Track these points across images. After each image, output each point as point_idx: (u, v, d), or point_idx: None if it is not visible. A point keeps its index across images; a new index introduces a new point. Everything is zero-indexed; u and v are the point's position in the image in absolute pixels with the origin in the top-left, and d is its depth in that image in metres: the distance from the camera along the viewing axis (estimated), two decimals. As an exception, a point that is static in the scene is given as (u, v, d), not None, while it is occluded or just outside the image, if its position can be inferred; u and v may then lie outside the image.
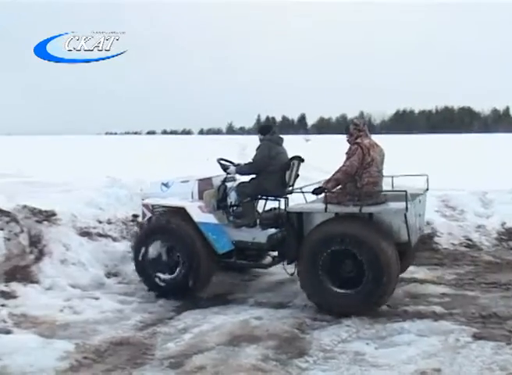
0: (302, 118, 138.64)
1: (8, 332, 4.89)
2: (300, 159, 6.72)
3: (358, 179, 5.63)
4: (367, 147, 5.66)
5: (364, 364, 4.25)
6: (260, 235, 6.29)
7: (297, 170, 6.74)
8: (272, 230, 6.33)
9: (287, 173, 6.51)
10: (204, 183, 6.59)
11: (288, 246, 5.94)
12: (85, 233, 7.28)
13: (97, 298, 5.97)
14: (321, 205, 5.59)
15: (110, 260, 7.07)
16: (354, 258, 5.39)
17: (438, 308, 5.45)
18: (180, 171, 9.66)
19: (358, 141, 5.74)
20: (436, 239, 8.32)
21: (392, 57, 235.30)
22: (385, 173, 5.83)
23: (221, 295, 6.31)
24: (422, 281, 6.55)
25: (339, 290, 5.45)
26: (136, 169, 14.47)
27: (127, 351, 4.61)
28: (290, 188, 6.47)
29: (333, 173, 5.74)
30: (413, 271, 6.87)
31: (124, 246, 7.34)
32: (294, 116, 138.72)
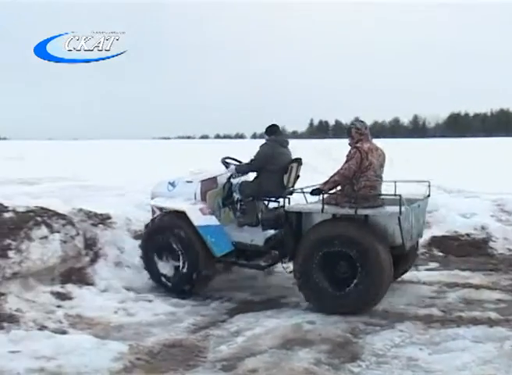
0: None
1: (63, 332, 5.02)
2: (300, 162, 6.87)
3: (356, 182, 5.78)
4: (365, 151, 5.78)
5: (417, 370, 4.20)
6: (258, 237, 6.44)
7: (297, 172, 6.87)
8: (271, 232, 6.44)
9: (285, 176, 6.62)
10: (208, 183, 6.76)
11: (286, 245, 6.07)
12: (139, 236, 7.31)
13: (150, 301, 6.08)
14: (319, 206, 5.75)
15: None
16: (349, 260, 5.53)
17: (493, 314, 5.34)
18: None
19: (358, 145, 5.87)
20: (491, 244, 8.15)
21: (445, 60, 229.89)
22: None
23: (274, 299, 6.32)
24: (477, 287, 6.43)
25: (333, 290, 5.59)
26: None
27: (180, 353, 4.68)
28: (291, 189, 6.51)
29: (331, 175, 5.90)
30: (468, 276, 6.83)
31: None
32: (347, 119, 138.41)
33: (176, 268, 6.40)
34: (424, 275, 7.04)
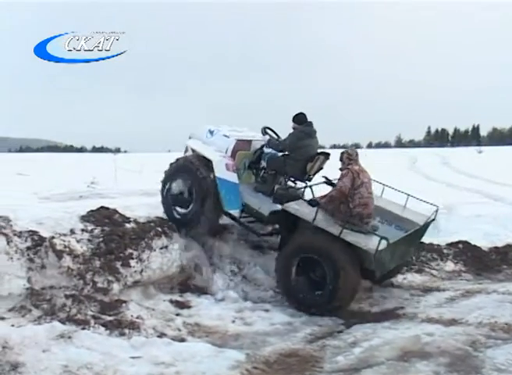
0: (475, 129, 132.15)
1: (182, 340, 5.28)
2: (327, 156, 7.41)
3: (350, 200, 6.56)
4: (356, 171, 6.66)
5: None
6: (266, 207, 7.11)
7: (321, 164, 7.43)
8: (278, 207, 6.91)
9: (309, 164, 7.24)
10: (242, 144, 7.50)
11: (281, 235, 7.09)
12: (256, 247, 7.71)
13: (267, 310, 6.25)
14: (312, 215, 6.33)
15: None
16: (322, 269, 6.22)
17: None
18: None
19: (349, 167, 6.74)
20: None
21: None
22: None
23: (391, 310, 6.33)
24: None
25: (306, 290, 6.33)
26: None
27: (296, 363, 4.76)
28: (310, 177, 7.35)
29: (329, 191, 6.84)
30: None
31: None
32: (467, 127, 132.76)
33: (190, 205, 7.19)
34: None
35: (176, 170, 7.39)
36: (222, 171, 7.05)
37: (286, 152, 7.29)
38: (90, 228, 6.65)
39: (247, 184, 7.45)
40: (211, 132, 7.57)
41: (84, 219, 6.86)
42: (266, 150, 7.58)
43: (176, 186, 7.36)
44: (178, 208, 7.30)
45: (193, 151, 7.58)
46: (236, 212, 7.14)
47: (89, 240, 6.44)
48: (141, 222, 7.11)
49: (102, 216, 7.01)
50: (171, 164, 7.51)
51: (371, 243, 6.05)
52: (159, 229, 6.97)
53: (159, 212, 7.56)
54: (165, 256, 6.69)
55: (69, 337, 4.89)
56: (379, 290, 7.17)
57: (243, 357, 4.78)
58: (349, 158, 6.82)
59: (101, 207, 7.32)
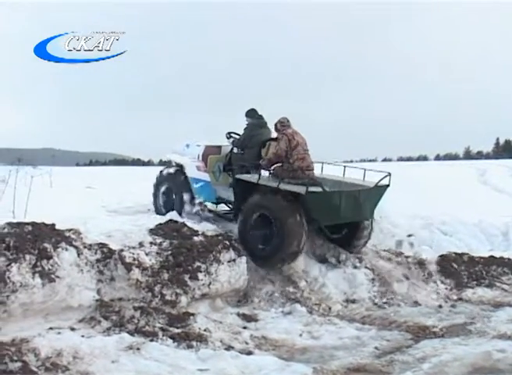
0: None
1: (249, 353, 5.50)
2: (275, 140, 8.60)
3: (290, 157, 8.00)
4: (291, 134, 8.13)
5: None
6: (232, 195, 8.65)
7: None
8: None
9: (263, 150, 8.98)
10: (212, 149, 9.49)
11: (235, 205, 8.59)
12: (324, 261, 8.05)
13: (335, 324, 6.44)
14: (256, 177, 7.91)
15: (349, 287, 7.57)
16: (271, 223, 7.53)
17: None
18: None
19: (284, 132, 8.18)
20: None
21: None
22: None
23: (461, 325, 6.41)
24: None
25: (260, 245, 7.64)
26: None
27: (364, 377, 4.93)
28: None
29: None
30: None
31: (362, 274, 7.76)
32: None
33: (172, 204, 9.38)
34: None
35: (161, 179, 9.82)
36: (193, 172, 9.22)
37: (241, 147, 9.13)
38: (158, 241, 7.06)
39: (224, 184, 9.24)
40: (188, 145, 9.72)
41: (153, 232, 7.30)
42: (235, 151, 9.32)
43: (163, 191, 9.74)
44: (163, 209, 9.70)
45: (175, 163, 9.78)
46: (209, 203, 9.30)
47: (157, 253, 6.82)
48: (209, 235, 7.50)
49: (171, 229, 7.43)
50: (156, 176, 9.96)
51: (303, 189, 7.18)
52: (227, 242, 7.31)
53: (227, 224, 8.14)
54: (233, 269, 7.02)
55: (138, 349, 5.27)
56: (448, 305, 7.29)
57: (310, 371, 4.98)
58: (282, 124, 8.36)
59: (170, 220, 7.84)
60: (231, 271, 7.02)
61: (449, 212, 10.44)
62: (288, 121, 8.40)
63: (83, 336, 5.56)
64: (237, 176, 8.42)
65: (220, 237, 7.48)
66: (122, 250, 6.63)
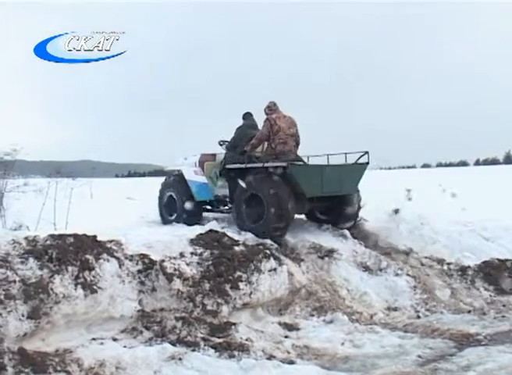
0: None
1: (291, 362, 5.69)
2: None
3: (272, 141, 9.08)
4: (273, 119, 9.12)
5: None
6: (227, 192, 10.03)
7: (262, 147, 9.82)
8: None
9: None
10: (207, 157, 10.87)
11: (229, 192, 9.83)
12: (366, 268, 8.27)
13: (377, 333, 6.63)
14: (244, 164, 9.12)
15: (390, 295, 7.82)
16: (261, 201, 8.64)
17: None
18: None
19: (268, 116, 9.23)
20: None
21: None
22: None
23: (506, 332, 6.55)
24: None
25: (253, 221, 8.82)
26: (414, 202, 15.13)
27: (407, 386, 4.96)
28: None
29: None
30: None
31: (404, 281, 8.01)
32: None
33: (174, 208, 10.67)
34: None
35: (165, 185, 11.10)
36: (191, 175, 10.52)
37: (234, 148, 10.13)
38: (199, 251, 7.41)
39: (222, 188, 10.45)
40: (186, 158, 11.19)
41: (193, 242, 7.64)
42: (228, 155, 10.29)
43: (167, 197, 10.93)
44: (168, 216, 10.93)
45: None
46: (207, 200, 10.62)
47: (198, 263, 7.16)
48: (250, 244, 7.85)
49: (211, 239, 7.77)
50: (160, 186, 11.27)
51: (285, 163, 8.46)
52: (267, 251, 7.64)
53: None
54: (274, 278, 7.31)
55: (180, 359, 5.48)
56: (492, 312, 7.43)
57: (353, 380, 5.03)
58: (269, 108, 9.45)
59: (210, 230, 8.16)
60: (272, 280, 7.29)
61: (491, 217, 10.58)
62: (275, 105, 9.48)
63: (125, 346, 5.83)
64: (227, 166, 9.80)
65: (260, 247, 7.80)
66: (163, 260, 6.94)
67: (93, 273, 6.41)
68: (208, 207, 10.91)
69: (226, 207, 10.43)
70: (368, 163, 9.24)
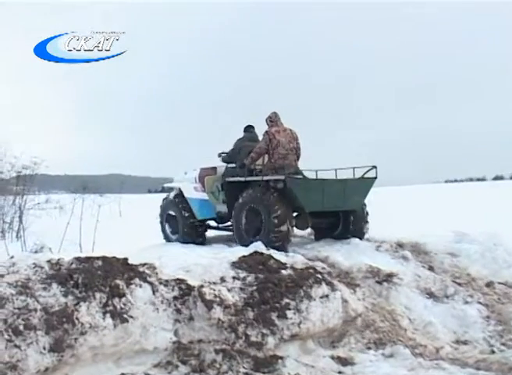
0: None
1: None
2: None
3: (271, 156, 9.35)
4: (272, 133, 9.38)
5: None
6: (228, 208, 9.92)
7: (263, 160, 9.99)
8: None
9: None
10: (207, 171, 10.87)
11: (228, 205, 9.93)
12: (430, 295, 7.81)
13: (444, 369, 6.18)
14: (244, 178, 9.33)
15: (459, 326, 7.39)
16: (260, 215, 8.89)
17: None
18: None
19: (267, 129, 9.49)
20: None
21: None
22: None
23: None
24: None
25: (252, 235, 9.08)
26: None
27: None
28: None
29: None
30: None
31: (475, 310, 7.58)
32: None
33: (176, 227, 10.70)
34: None
35: (166, 204, 11.09)
36: (191, 192, 10.55)
37: (231, 161, 10.44)
38: (242, 275, 7.09)
39: (225, 203, 10.27)
40: (186, 173, 11.18)
41: (235, 265, 7.34)
42: (228, 167, 10.50)
43: (167, 217, 11.05)
44: (170, 234, 11.09)
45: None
46: (209, 219, 10.70)
47: (241, 288, 6.83)
48: (298, 268, 7.45)
49: (255, 262, 7.44)
50: (161, 204, 11.31)
51: (283, 176, 8.71)
52: (319, 276, 7.22)
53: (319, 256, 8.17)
54: (326, 306, 6.89)
55: None
56: None
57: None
58: (270, 120, 9.68)
59: (255, 252, 7.82)
60: (324, 308, 6.88)
61: None
62: (276, 116, 9.70)
63: (158, 383, 5.37)
64: (227, 179, 9.91)
65: (311, 270, 7.36)
66: (201, 286, 6.62)
67: (123, 300, 6.17)
68: (213, 224, 11.04)
69: (230, 223, 10.40)
70: (375, 178, 9.34)
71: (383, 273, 8.03)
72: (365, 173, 9.27)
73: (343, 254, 8.60)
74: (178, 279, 6.78)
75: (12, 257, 6.69)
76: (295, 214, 9.30)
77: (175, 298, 6.55)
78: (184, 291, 6.63)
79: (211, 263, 7.39)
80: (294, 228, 9.29)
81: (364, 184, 9.49)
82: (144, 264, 6.84)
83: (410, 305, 7.64)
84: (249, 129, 10.73)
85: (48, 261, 6.51)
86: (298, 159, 9.70)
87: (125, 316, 6.03)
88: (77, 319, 5.73)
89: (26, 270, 6.27)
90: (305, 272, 7.37)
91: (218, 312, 6.44)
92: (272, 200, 8.73)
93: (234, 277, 7.11)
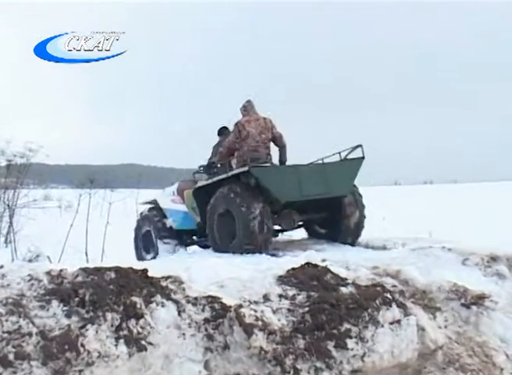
0: None
1: None
2: None
3: (240, 148, 9.56)
4: (242, 124, 9.59)
5: None
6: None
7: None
8: None
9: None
10: (185, 184, 11.41)
11: (200, 211, 10.12)
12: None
13: None
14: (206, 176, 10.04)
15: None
16: (233, 218, 8.86)
17: None
18: None
19: (237, 121, 9.66)
20: None
21: None
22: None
23: None
24: None
25: (226, 242, 9.22)
26: None
27: None
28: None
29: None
30: None
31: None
32: None
33: (153, 242, 11.20)
34: None
35: (141, 219, 11.79)
36: (168, 204, 11.24)
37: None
38: (290, 293, 6.33)
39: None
40: (164, 189, 11.98)
41: (283, 280, 6.60)
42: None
43: (143, 231, 11.59)
44: (144, 253, 11.58)
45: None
46: (187, 230, 11.13)
47: (289, 310, 6.07)
48: (362, 285, 6.62)
49: (308, 277, 6.68)
50: (137, 219, 11.97)
51: (247, 167, 8.67)
52: (388, 295, 6.36)
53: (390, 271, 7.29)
54: (397, 335, 6.06)
55: None
56: None
57: None
58: (245, 109, 9.98)
59: (307, 263, 7.04)
60: (394, 337, 6.04)
61: None
62: (249, 104, 10.04)
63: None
64: (197, 185, 10.22)
65: (378, 289, 6.48)
66: (240, 306, 5.90)
67: (141, 322, 5.51)
68: (194, 238, 11.43)
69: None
70: (363, 158, 9.32)
71: (472, 294, 7.09)
72: (348, 154, 9.39)
73: (420, 268, 7.61)
74: (210, 296, 6.13)
75: (1, 267, 6.04)
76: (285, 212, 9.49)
77: (206, 320, 5.89)
78: (218, 313, 5.96)
79: (252, 277, 6.73)
80: (277, 227, 9.60)
81: (349, 166, 9.48)
82: (168, 277, 6.24)
83: (508, 337, 6.78)
84: (223, 131, 11.31)
85: (48, 272, 5.88)
86: (283, 150, 9.91)
87: (143, 342, 5.40)
88: (83, 346, 5.08)
89: (19, 284, 5.69)
90: (371, 290, 6.58)
91: (259, 339, 5.75)
92: (244, 198, 8.78)
93: (281, 295, 6.43)
